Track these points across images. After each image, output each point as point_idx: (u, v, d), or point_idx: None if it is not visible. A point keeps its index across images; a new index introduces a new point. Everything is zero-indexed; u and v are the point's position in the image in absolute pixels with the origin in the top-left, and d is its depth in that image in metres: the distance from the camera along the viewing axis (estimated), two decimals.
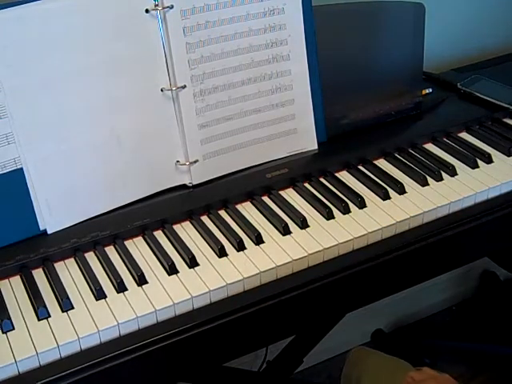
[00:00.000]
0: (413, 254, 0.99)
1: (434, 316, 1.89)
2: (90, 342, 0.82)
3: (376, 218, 1.01)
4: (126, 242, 0.97)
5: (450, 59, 1.52)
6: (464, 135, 1.23)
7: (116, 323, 0.83)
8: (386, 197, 1.05)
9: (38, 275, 0.92)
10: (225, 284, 0.89)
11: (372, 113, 1.22)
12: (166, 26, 0.99)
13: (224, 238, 0.98)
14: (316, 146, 1.16)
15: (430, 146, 1.19)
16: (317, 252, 0.94)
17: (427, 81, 1.36)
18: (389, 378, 1.17)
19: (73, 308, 0.86)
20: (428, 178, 1.09)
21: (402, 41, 1.21)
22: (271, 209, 1.03)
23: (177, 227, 1.00)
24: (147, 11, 0.97)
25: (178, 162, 1.06)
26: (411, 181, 1.09)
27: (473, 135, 1.23)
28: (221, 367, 1.33)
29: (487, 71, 1.41)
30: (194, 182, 1.07)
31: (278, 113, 1.11)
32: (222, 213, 1.03)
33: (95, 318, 0.84)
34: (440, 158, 1.15)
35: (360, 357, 1.21)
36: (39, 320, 0.84)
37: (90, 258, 0.94)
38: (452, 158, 1.16)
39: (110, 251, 0.95)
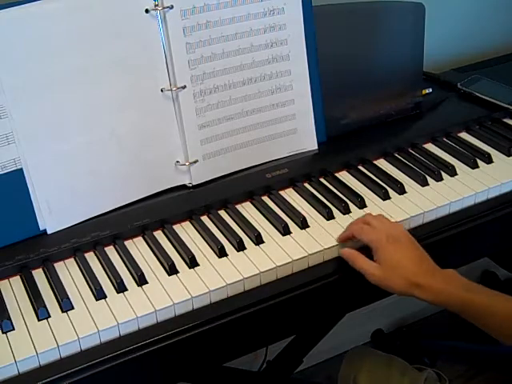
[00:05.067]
0: None
1: (434, 316, 1.89)
2: (90, 343, 0.82)
3: None
4: (125, 242, 0.97)
5: (450, 59, 1.52)
6: (464, 135, 1.23)
7: (116, 323, 0.83)
8: (385, 197, 1.05)
9: (38, 275, 0.92)
10: (225, 284, 0.89)
11: (372, 113, 1.22)
12: (166, 26, 0.99)
13: (224, 238, 0.97)
14: (316, 146, 1.16)
15: (429, 146, 1.19)
16: (317, 252, 0.94)
17: (427, 81, 1.36)
18: (385, 375, 1.17)
19: (73, 308, 0.86)
20: (428, 178, 1.09)
21: (402, 41, 1.21)
22: (271, 209, 1.03)
23: (177, 227, 1.00)
24: (147, 11, 0.97)
25: (177, 162, 1.06)
26: (411, 181, 1.09)
27: (473, 135, 1.23)
28: (221, 367, 1.33)
29: (487, 71, 1.41)
30: (194, 183, 1.07)
31: (278, 113, 1.11)
32: (222, 213, 1.03)
33: (95, 319, 0.84)
34: (440, 158, 1.15)
35: (356, 356, 1.22)
36: (39, 320, 0.84)
37: (90, 258, 0.94)
38: (452, 158, 1.16)
39: (110, 251, 0.95)
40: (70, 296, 0.87)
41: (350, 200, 1.05)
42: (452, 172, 1.11)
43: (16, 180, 0.93)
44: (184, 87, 1.02)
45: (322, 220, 1.01)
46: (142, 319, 0.85)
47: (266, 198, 1.06)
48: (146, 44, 0.98)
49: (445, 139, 1.21)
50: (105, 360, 0.81)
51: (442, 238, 1.01)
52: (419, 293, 0.88)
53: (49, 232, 0.97)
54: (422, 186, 1.08)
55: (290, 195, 1.07)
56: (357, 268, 0.91)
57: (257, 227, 0.99)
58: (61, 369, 0.80)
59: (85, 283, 0.90)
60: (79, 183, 0.98)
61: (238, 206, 1.04)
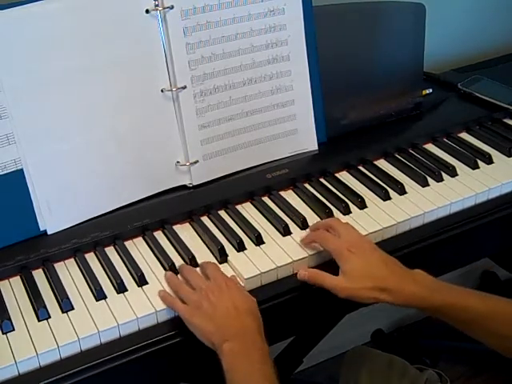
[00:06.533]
0: (413, 255, 0.99)
1: None
2: (90, 343, 0.82)
3: (376, 218, 1.01)
4: (126, 243, 0.97)
5: (450, 59, 1.52)
6: (464, 135, 1.23)
7: (116, 324, 0.83)
8: (386, 197, 1.05)
9: (38, 276, 0.91)
10: None
11: (372, 113, 1.22)
12: (166, 27, 0.99)
13: (224, 239, 0.97)
14: (316, 147, 1.16)
15: (430, 147, 1.19)
16: (317, 253, 0.94)
17: (427, 81, 1.36)
18: (385, 375, 1.17)
19: (73, 309, 0.86)
20: (428, 178, 1.09)
21: (402, 41, 1.21)
22: (271, 209, 1.03)
23: (177, 228, 1.00)
24: (147, 11, 0.97)
25: (178, 162, 1.05)
26: (411, 181, 1.09)
27: (473, 135, 1.23)
28: (221, 367, 1.33)
29: (487, 71, 1.41)
30: (194, 183, 1.07)
31: (279, 113, 1.11)
32: (222, 213, 1.03)
33: (95, 319, 0.84)
34: (440, 158, 1.15)
35: (357, 356, 1.21)
36: (39, 321, 0.84)
37: (90, 258, 0.94)
38: (452, 158, 1.16)
39: (110, 252, 0.95)
40: (70, 296, 0.87)
41: (350, 200, 1.05)
42: (452, 172, 1.11)
43: (16, 180, 0.93)
44: (184, 87, 1.02)
45: None
46: (142, 320, 0.85)
47: (266, 199, 1.06)
48: (146, 44, 0.98)
49: (445, 139, 1.21)
50: (105, 361, 0.81)
51: (442, 239, 1.01)
52: (389, 297, 0.85)
53: (49, 232, 0.97)
54: (423, 186, 1.08)
55: (291, 196, 1.07)
56: (325, 287, 0.87)
57: (257, 227, 0.99)
58: (61, 370, 0.80)
59: (85, 283, 0.90)
60: (79, 183, 0.98)
61: (239, 207, 1.04)
